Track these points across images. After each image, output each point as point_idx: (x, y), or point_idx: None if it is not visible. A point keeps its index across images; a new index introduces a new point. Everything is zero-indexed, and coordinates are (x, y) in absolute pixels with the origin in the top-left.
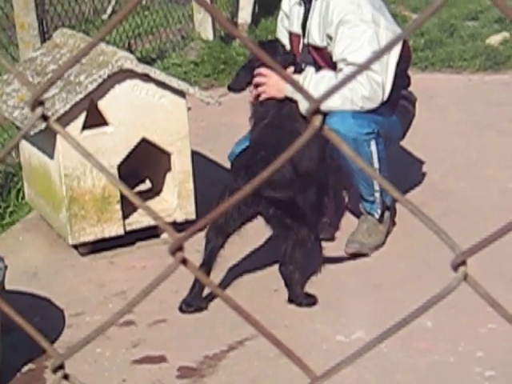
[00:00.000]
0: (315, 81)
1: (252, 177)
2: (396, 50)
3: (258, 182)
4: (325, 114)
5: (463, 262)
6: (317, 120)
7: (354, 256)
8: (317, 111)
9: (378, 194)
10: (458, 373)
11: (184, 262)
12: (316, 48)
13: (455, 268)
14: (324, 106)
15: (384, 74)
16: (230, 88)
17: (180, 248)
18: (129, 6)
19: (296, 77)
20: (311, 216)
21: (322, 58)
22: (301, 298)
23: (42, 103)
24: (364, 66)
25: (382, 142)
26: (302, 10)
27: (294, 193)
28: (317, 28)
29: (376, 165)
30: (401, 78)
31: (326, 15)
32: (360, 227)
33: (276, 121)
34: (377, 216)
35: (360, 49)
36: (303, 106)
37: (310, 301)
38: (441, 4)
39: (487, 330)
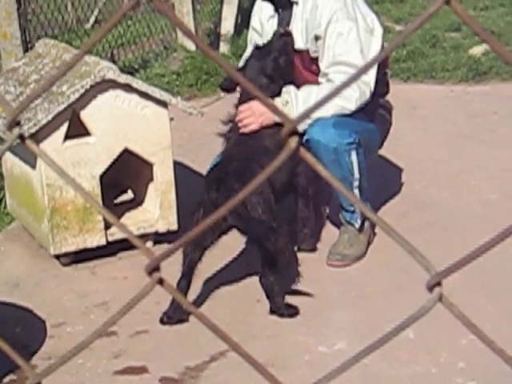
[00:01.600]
0: (303, 98)
1: (223, 190)
2: (376, 48)
3: (233, 203)
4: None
5: (438, 283)
6: (293, 141)
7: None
8: (293, 133)
9: (356, 205)
10: None
11: (160, 282)
12: (296, 51)
13: (430, 289)
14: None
15: (369, 72)
16: (221, 88)
17: (156, 268)
18: (109, 23)
19: (282, 97)
20: (288, 226)
21: (302, 61)
22: (282, 309)
23: (18, 123)
24: (354, 78)
25: (362, 153)
26: (275, 20)
27: (269, 207)
28: (299, 32)
29: (356, 175)
30: (380, 85)
31: (313, 17)
32: (341, 238)
33: (246, 135)
34: (357, 226)
35: (352, 49)
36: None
37: (292, 311)
38: (427, 16)
39: (468, 341)
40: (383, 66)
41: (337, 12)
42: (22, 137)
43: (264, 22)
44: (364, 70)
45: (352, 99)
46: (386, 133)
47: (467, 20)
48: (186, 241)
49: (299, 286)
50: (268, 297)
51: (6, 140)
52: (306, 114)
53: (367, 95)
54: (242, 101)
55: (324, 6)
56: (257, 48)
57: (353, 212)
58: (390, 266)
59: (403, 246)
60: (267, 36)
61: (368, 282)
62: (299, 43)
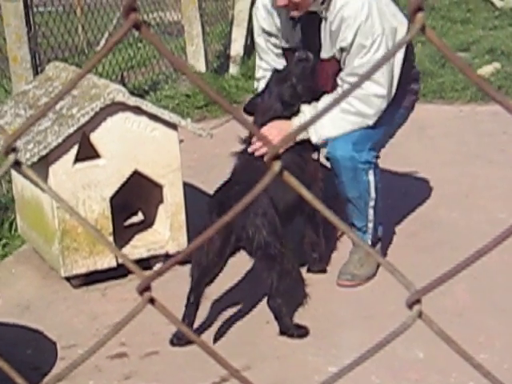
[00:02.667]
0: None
1: (224, 213)
2: (399, 56)
3: (220, 224)
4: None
5: (418, 301)
6: (276, 165)
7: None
8: (276, 157)
9: (370, 225)
10: None
11: (152, 301)
12: (324, 60)
13: (410, 306)
14: (324, 137)
15: (388, 83)
16: (245, 111)
17: (147, 288)
18: (105, 49)
19: (299, 117)
20: (295, 247)
21: (331, 68)
22: (292, 330)
23: (14, 150)
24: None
25: (378, 173)
26: (297, 26)
27: (274, 229)
28: (326, 43)
29: (373, 194)
30: (409, 71)
31: (338, 29)
32: (351, 258)
33: (253, 158)
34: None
35: (371, 63)
36: (313, 138)
37: (302, 332)
38: (404, 42)
39: (479, 360)
40: (410, 51)
41: (361, 25)
42: (18, 163)
43: (283, 23)
44: (360, 82)
45: (369, 115)
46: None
47: (443, 48)
48: (177, 261)
49: (308, 307)
50: (276, 318)
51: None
52: (290, 137)
53: (383, 106)
54: (257, 123)
55: (350, 17)
56: (276, 71)
57: (365, 232)
58: (399, 286)
59: (384, 266)
60: (288, 38)
61: (377, 302)
62: (325, 53)
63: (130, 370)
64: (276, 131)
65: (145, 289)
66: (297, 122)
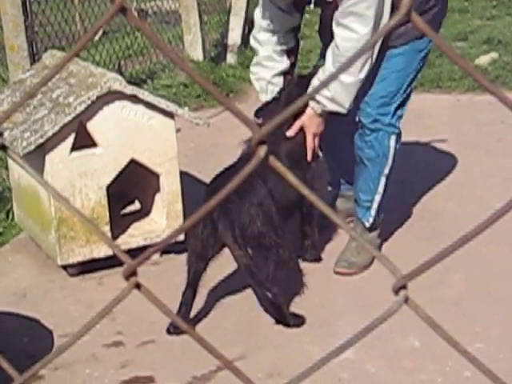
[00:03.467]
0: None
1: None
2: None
3: (205, 210)
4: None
5: (404, 286)
6: (262, 150)
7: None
8: (261, 142)
9: (377, 198)
10: None
11: (138, 286)
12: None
13: (396, 292)
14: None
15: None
16: (256, 115)
17: (134, 273)
18: (87, 36)
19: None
20: (290, 235)
21: (332, 11)
22: (288, 319)
23: (0, 134)
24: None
25: (400, 143)
26: None
27: (270, 219)
28: None
29: (390, 161)
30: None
31: None
32: (349, 245)
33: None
34: (367, 224)
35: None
36: (342, 109)
37: (298, 321)
38: (387, 29)
39: (475, 349)
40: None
41: None
42: (3, 147)
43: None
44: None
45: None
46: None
47: (430, 34)
48: (161, 247)
49: (304, 296)
50: (273, 307)
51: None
52: (277, 122)
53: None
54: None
55: None
56: (299, 76)
57: (368, 208)
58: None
59: (370, 251)
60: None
61: (374, 291)
62: None
63: (126, 358)
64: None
65: (131, 274)
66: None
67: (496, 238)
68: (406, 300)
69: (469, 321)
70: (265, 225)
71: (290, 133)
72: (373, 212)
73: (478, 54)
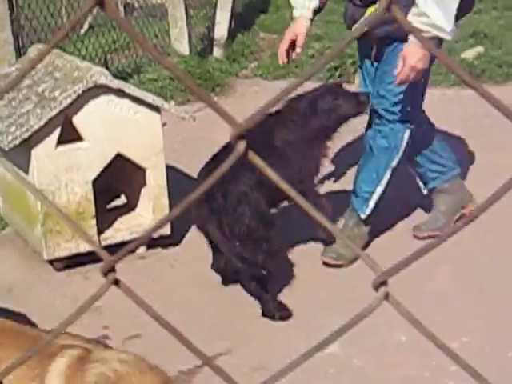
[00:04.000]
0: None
1: (213, 186)
2: None
3: (186, 204)
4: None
5: (384, 282)
6: (240, 145)
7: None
8: (240, 137)
9: (379, 189)
10: None
11: (116, 283)
12: None
13: (376, 288)
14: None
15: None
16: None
17: (112, 269)
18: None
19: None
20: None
21: None
22: (274, 312)
23: None
24: None
25: (410, 140)
26: None
27: (257, 214)
28: None
29: (400, 154)
30: None
31: None
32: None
33: (252, 133)
34: (363, 216)
35: None
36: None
37: (284, 314)
38: (368, 23)
39: (460, 343)
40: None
41: None
42: None
43: None
44: None
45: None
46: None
47: (409, 28)
48: (142, 241)
49: (291, 289)
50: (259, 300)
51: None
52: (254, 119)
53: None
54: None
55: None
56: (338, 86)
57: (366, 200)
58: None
59: (351, 247)
60: None
61: (359, 286)
62: None
63: None
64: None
65: (109, 270)
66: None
67: (482, 230)
68: (387, 296)
69: (455, 314)
70: (253, 219)
71: (398, 77)
72: (371, 204)
73: (464, 47)
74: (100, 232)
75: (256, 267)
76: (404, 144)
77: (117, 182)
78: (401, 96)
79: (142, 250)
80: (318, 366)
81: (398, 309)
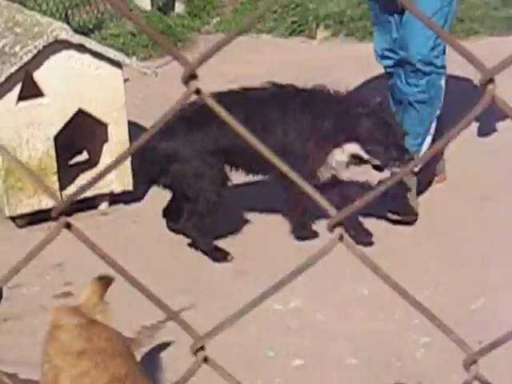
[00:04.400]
0: None
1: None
2: None
3: (131, 150)
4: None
5: (339, 223)
6: (192, 86)
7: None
8: (192, 76)
9: (428, 139)
10: (394, 340)
11: (68, 226)
12: None
13: (331, 229)
14: None
15: None
16: None
17: (62, 213)
18: None
19: None
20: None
21: None
22: (209, 252)
23: None
24: None
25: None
26: None
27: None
28: None
29: (441, 100)
30: None
31: None
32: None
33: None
34: (415, 169)
35: None
36: None
37: (218, 255)
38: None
39: (423, 297)
40: None
41: None
42: None
43: None
44: None
45: None
46: None
47: None
48: (93, 182)
49: (252, 248)
50: (195, 241)
51: None
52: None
53: None
54: None
55: None
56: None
57: (415, 153)
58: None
59: (305, 189)
60: None
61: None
62: None
63: None
64: None
65: (60, 213)
66: None
67: (448, 189)
68: (341, 238)
69: (417, 269)
70: (193, 177)
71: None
72: (423, 147)
73: None
74: (62, 188)
75: (197, 216)
76: (443, 91)
77: (79, 137)
78: (433, 44)
79: (104, 206)
80: (281, 320)
81: (353, 251)
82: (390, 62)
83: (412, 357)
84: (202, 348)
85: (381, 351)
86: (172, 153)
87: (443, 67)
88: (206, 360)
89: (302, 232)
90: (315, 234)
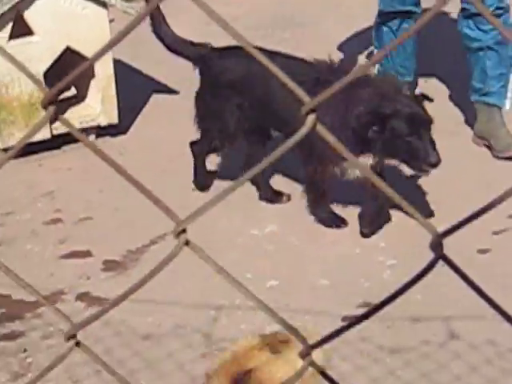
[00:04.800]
0: None
1: None
2: None
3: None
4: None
5: (183, 231)
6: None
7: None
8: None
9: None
10: (363, 262)
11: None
12: None
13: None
14: None
15: None
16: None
17: (52, 102)
18: None
19: None
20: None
21: None
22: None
23: None
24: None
25: None
26: None
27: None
28: None
29: None
30: None
31: None
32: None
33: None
34: (507, 106)
35: None
36: None
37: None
38: None
39: (390, 224)
40: None
41: None
42: None
43: None
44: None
45: None
46: None
47: None
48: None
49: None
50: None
51: None
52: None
53: None
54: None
55: None
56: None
57: (502, 93)
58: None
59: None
60: None
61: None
62: None
63: (64, 234)
64: None
65: (49, 103)
66: None
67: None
68: (187, 243)
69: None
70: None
71: None
72: (509, 94)
73: None
74: (51, 122)
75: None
76: None
77: (67, 74)
78: None
79: (91, 138)
80: (258, 245)
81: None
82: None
83: (379, 277)
84: (184, 231)
85: (350, 273)
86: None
87: (508, 6)
88: (187, 243)
89: (317, 211)
90: (331, 215)
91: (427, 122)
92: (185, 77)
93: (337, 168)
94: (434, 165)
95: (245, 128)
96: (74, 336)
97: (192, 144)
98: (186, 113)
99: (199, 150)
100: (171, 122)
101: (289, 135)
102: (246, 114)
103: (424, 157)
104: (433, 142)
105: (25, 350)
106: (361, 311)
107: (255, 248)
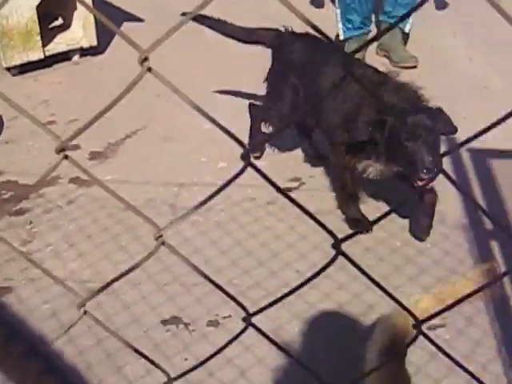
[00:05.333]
0: None
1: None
2: None
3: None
4: None
5: (146, 58)
6: (144, 67)
7: None
8: (145, 59)
9: None
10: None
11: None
12: None
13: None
14: None
15: None
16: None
17: (146, 58)
18: None
19: None
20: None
21: None
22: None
23: None
24: None
25: None
26: None
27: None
28: None
29: None
30: None
31: None
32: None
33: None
34: (407, 30)
35: None
36: None
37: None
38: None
39: None
40: None
41: None
42: None
43: None
44: None
45: None
46: None
47: None
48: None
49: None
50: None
51: None
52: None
53: None
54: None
55: None
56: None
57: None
58: None
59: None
60: None
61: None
62: None
63: (58, 133)
64: None
65: (144, 59)
66: None
67: None
68: (149, 69)
69: None
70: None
71: None
72: (410, 19)
73: None
74: (44, 45)
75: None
76: None
77: (55, 7)
78: None
79: (76, 58)
80: (210, 135)
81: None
82: None
83: None
84: (146, 59)
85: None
86: None
87: None
88: (149, 69)
89: (347, 211)
90: (357, 219)
91: (430, 130)
92: (148, 6)
93: (358, 164)
94: (429, 170)
95: (297, 114)
96: None
97: (251, 106)
98: (151, 35)
99: (256, 114)
100: (140, 43)
101: (323, 132)
102: (299, 99)
103: (420, 163)
104: (436, 151)
105: (30, 223)
106: (293, 185)
107: (208, 138)
